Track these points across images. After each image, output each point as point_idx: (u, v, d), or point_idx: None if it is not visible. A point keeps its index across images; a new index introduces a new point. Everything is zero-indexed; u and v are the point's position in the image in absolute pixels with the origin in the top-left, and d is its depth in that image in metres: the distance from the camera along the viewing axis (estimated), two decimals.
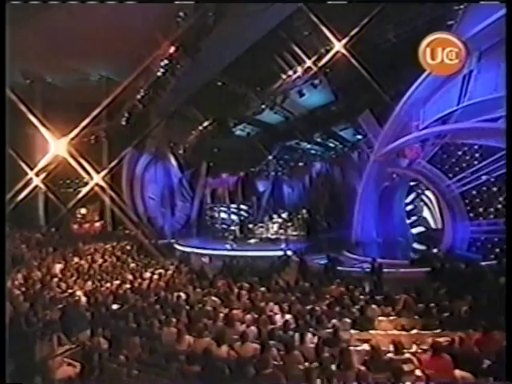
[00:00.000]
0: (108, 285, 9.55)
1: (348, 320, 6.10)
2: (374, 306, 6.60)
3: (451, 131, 10.37)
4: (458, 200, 10.55)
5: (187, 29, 11.53)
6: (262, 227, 18.80)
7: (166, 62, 12.56)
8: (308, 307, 6.64)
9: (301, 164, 22.53)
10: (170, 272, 11.18)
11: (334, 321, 6.13)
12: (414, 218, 13.36)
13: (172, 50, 12.04)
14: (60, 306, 6.90)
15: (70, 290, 8.62)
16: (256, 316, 6.34)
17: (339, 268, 9.87)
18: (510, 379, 3.38)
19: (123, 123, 17.41)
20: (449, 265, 8.36)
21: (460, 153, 10.63)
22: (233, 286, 8.56)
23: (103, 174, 20.99)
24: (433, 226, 13.01)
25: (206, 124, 19.67)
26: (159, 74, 13.09)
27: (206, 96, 16.54)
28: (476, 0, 10.89)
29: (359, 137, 19.08)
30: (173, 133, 20.97)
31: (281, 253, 12.06)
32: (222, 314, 6.46)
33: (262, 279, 9.41)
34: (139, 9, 12.21)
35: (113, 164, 20.75)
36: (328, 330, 6.02)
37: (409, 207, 13.33)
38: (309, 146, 21.20)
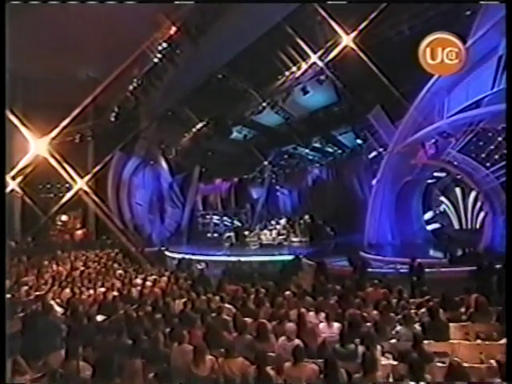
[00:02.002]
0: (91, 292, 7.57)
1: (417, 327, 4.48)
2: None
3: (487, 116, 9.20)
4: (498, 191, 9.22)
5: (191, 8, 10.06)
6: (259, 234, 17.15)
7: (164, 45, 10.99)
8: (353, 312, 4.98)
9: (297, 170, 21.22)
10: (164, 278, 9.24)
11: (398, 328, 4.50)
12: (434, 218, 11.93)
13: (173, 30, 10.48)
14: (21, 314, 4.91)
15: (37, 293, 6.60)
16: (294, 326, 4.61)
17: (368, 270, 8.27)
18: (510, 379, 3.05)
19: (112, 119, 15.55)
20: (499, 263, 6.96)
21: (500, 138, 9.43)
22: (248, 290, 6.78)
23: (87, 178, 19.07)
24: (457, 226, 11.61)
25: (201, 125, 18.05)
26: (156, 60, 11.48)
27: (203, 94, 15.00)
28: (476, 0, 10.27)
29: (359, 141, 17.99)
30: (165, 134, 19.22)
31: (290, 257, 10.39)
32: (246, 325, 4.70)
33: (279, 283, 7.68)
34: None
35: (98, 167, 18.84)
36: (393, 341, 4.42)
37: (429, 212, 11.88)
38: (306, 151, 19.89)
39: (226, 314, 5.44)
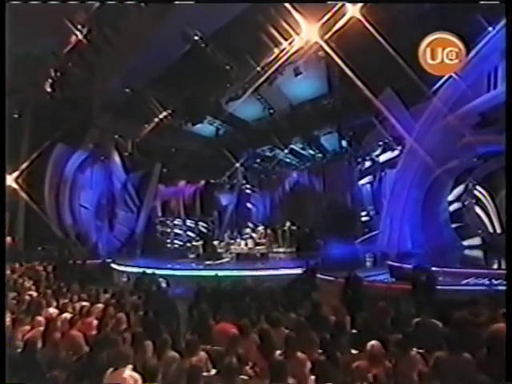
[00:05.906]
0: None
1: None
2: None
3: None
4: None
5: None
6: (230, 243, 13.54)
7: None
8: None
9: (273, 175, 18.06)
10: (99, 306, 5.10)
11: None
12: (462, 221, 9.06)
13: None
14: None
15: None
16: None
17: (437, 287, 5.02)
18: (510, 379, 2.58)
19: (48, 90, 11.10)
20: None
21: None
22: (274, 340, 3.10)
23: (17, 173, 14.61)
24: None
25: (165, 113, 14.23)
26: None
27: (174, 67, 11.35)
28: (476, 0, 8.79)
29: (344, 143, 15.44)
30: (120, 123, 14.97)
31: (298, 270, 6.88)
32: None
33: (307, 315, 4.13)
34: None
35: (29, 160, 14.19)
36: None
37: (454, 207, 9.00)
38: (284, 153, 16.81)
39: None
